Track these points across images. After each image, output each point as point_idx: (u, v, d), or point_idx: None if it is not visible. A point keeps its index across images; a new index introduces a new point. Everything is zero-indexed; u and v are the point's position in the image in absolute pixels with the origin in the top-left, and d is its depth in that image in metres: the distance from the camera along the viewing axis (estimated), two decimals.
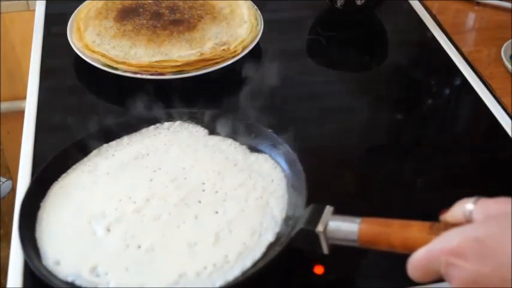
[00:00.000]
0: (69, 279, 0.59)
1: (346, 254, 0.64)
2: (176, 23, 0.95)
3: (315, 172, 0.70)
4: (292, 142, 0.71)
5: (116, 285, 0.59)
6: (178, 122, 0.77)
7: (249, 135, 0.74)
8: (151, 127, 0.77)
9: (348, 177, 0.77)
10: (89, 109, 0.86)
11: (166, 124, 0.77)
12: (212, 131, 0.76)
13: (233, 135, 0.75)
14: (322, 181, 0.74)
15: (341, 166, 0.78)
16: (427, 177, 0.78)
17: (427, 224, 0.53)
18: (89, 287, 0.59)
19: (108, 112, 0.82)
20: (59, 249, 0.62)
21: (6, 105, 1.48)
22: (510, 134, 0.82)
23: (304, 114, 0.86)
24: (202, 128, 0.77)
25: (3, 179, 1.41)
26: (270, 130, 0.73)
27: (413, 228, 0.53)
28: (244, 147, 0.74)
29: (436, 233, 0.51)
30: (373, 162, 0.80)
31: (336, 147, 0.82)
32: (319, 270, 0.64)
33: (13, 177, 1.44)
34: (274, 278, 0.63)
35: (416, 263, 0.51)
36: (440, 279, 0.50)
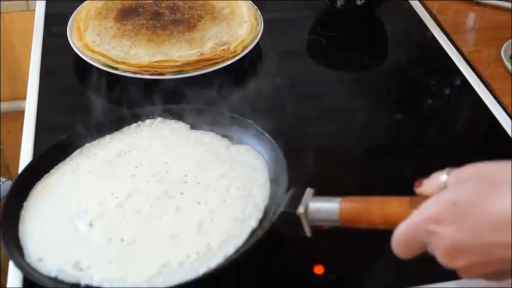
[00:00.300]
0: (53, 274, 0.60)
1: (346, 254, 0.65)
2: (176, 23, 0.95)
3: (315, 172, 0.70)
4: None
5: (99, 278, 0.59)
6: (159, 119, 0.77)
7: (231, 127, 0.75)
8: (133, 125, 0.77)
9: (348, 177, 0.77)
10: (89, 109, 0.85)
11: (147, 121, 0.77)
12: (194, 126, 0.76)
13: (215, 128, 0.75)
14: (322, 181, 0.73)
15: (341, 166, 0.78)
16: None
17: (406, 198, 0.53)
18: (72, 281, 0.59)
19: (108, 112, 0.82)
20: (41, 246, 0.62)
21: (6, 105, 1.48)
22: (510, 134, 0.82)
23: (304, 114, 0.86)
24: (183, 124, 0.77)
25: (3, 179, 1.41)
26: (251, 121, 0.73)
27: (393, 204, 0.53)
28: (226, 139, 0.74)
29: (415, 206, 0.51)
30: (373, 162, 0.80)
31: (336, 147, 0.82)
32: (319, 270, 0.64)
33: (13, 177, 1.45)
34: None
35: (399, 238, 0.50)
36: (426, 254, 0.50)
